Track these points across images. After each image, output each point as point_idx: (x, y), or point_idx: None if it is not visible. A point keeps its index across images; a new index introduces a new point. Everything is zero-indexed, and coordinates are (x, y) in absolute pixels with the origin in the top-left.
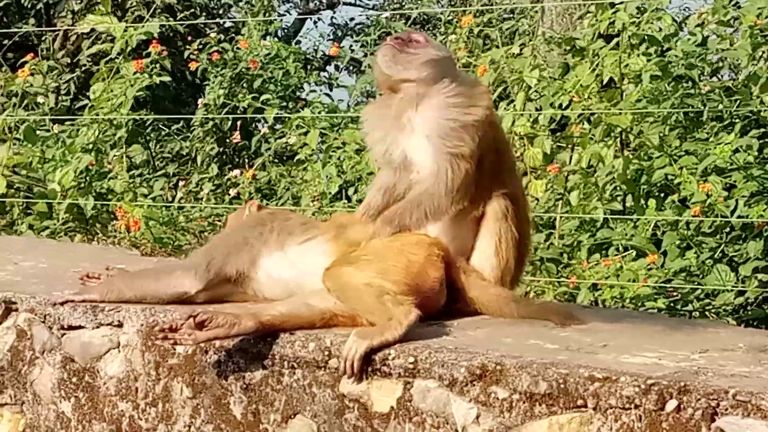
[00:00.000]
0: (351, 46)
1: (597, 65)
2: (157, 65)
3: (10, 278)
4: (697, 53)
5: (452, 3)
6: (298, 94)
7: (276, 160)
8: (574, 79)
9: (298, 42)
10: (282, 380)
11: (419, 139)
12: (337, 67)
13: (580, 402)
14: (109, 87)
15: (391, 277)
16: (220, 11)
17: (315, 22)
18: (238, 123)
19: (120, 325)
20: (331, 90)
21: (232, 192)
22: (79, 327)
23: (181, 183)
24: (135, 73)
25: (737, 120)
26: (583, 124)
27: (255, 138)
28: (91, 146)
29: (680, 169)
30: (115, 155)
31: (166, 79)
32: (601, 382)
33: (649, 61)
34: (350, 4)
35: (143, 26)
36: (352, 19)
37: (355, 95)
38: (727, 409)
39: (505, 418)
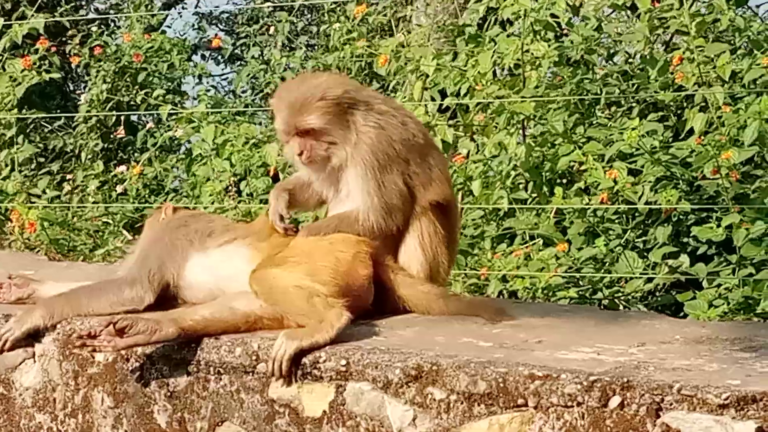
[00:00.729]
0: (216, 34)
1: (493, 52)
2: (46, 61)
3: None
4: (594, 38)
5: None
6: (182, 87)
7: (161, 155)
8: (474, 67)
9: (164, 32)
10: (208, 387)
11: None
12: (214, 58)
13: (520, 401)
14: None
15: (321, 278)
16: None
17: (179, 12)
18: (122, 118)
19: (35, 335)
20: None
21: (119, 188)
22: None
23: (66, 181)
24: (23, 71)
25: (634, 104)
26: (482, 112)
27: (140, 132)
28: None
29: (584, 155)
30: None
31: (56, 75)
32: (541, 380)
33: (549, 47)
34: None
35: (28, 22)
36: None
37: (240, 86)
38: (672, 404)
39: (443, 419)
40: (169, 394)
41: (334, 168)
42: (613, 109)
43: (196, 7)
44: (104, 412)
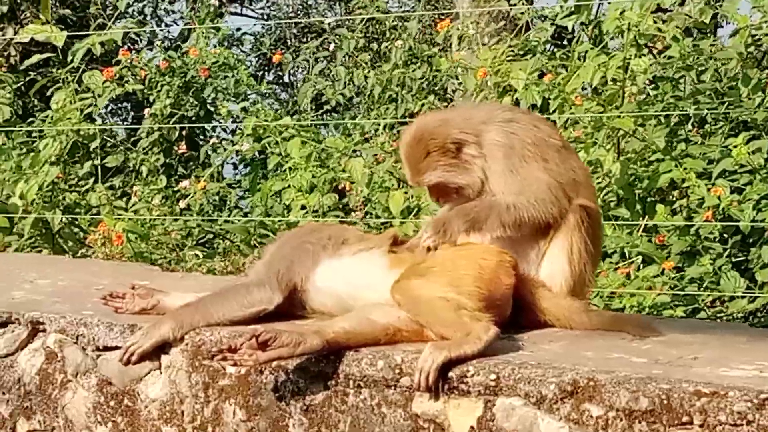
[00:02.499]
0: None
1: (598, 67)
2: (129, 72)
3: (30, 297)
4: (693, 54)
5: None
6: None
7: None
8: (568, 82)
9: (229, 47)
10: (347, 400)
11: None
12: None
13: (685, 419)
14: (71, 97)
15: (465, 288)
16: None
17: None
18: (184, 132)
19: (162, 346)
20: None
21: (182, 203)
22: (116, 347)
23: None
24: (105, 82)
25: (723, 123)
26: (573, 127)
27: (204, 148)
28: (55, 159)
29: (687, 172)
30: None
31: (138, 87)
32: (708, 398)
33: (651, 64)
34: (236, 13)
35: (105, 33)
36: (238, 29)
37: (305, 103)
38: None
39: None
40: (305, 407)
41: (473, 194)
42: (706, 127)
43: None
44: (236, 425)
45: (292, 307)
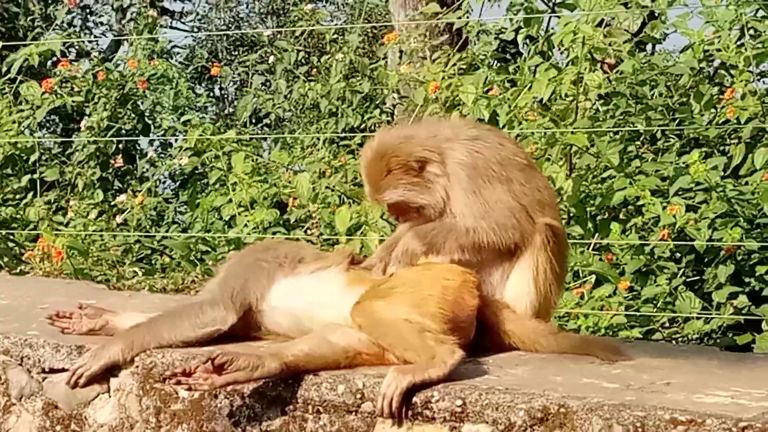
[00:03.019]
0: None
1: (550, 81)
2: (68, 84)
3: None
4: (644, 69)
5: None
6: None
7: (162, 184)
8: (525, 96)
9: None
10: (306, 426)
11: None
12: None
13: None
14: (7, 109)
15: (429, 310)
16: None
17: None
18: (120, 146)
19: (111, 369)
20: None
21: (119, 218)
22: (63, 370)
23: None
24: (43, 94)
25: (673, 139)
26: (525, 144)
27: (142, 161)
28: None
29: (642, 190)
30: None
31: (79, 99)
32: (684, 426)
33: (607, 79)
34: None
35: (43, 43)
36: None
37: (245, 116)
38: None
39: None
40: None
41: (434, 215)
42: (658, 143)
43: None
44: None
45: (246, 327)
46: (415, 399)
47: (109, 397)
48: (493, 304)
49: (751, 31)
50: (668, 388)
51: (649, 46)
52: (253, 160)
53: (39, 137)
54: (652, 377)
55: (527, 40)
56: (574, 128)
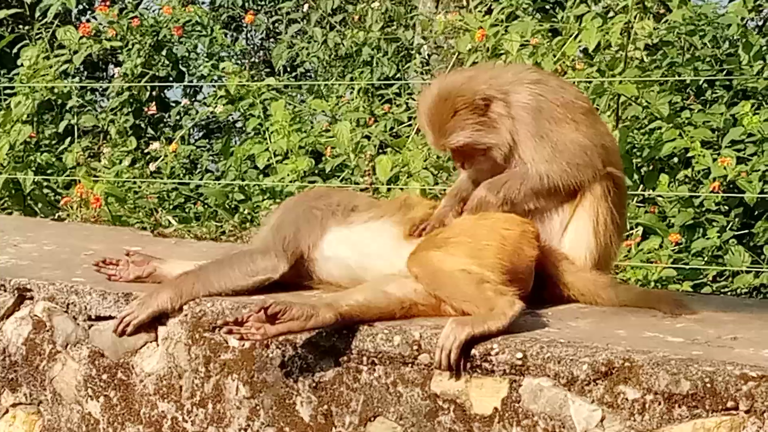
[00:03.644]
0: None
1: (600, 30)
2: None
3: (15, 262)
4: (696, 19)
5: None
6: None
7: (196, 132)
8: (571, 45)
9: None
10: (360, 378)
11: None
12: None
13: (730, 404)
14: (43, 53)
15: (488, 261)
16: None
17: None
18: (153, 93)
19: (159, 317)
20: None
21: (152, 166)
22: (110, 317)
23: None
24: (81, 38)
25: (721, 90)
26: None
27: (176, 108)
28: (27, 117)
29: (692, 141)
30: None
31: (117, 44)
32: (756, 382)
33: (656, 28)
34: None
35: None
36: None
37: (279, 64)
38: None
39: (637, 421)
40: (314, 384)
41: (500, 157)
42: (707, 94)
43: None
44: (239, 402)
45: (297, 276)
46: (473, 351)
47: (157, 346)
48: (552, 254)
49: None
50: (735, 343)
51: None
52: (291, 109)
53: (75, 83)
54: (719, 332)
55: None
56: (621, 78)
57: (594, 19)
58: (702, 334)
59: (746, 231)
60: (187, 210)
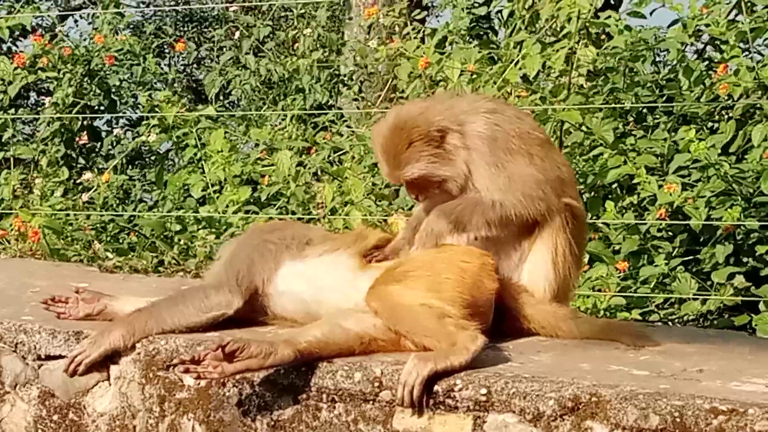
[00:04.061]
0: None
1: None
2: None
3: None
4: (638, 44)
5: None
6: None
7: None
8: (511, 72)
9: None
10: (319, 416)
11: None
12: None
13: None
14: None
15: (448, 294)
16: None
17: (76, 20)
18: (85, 123)
19: (110, 356)
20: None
21: (85, 197)
22: (60, 357)
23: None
24: (16, 69)
25: (661, 116)
26: None
27: (107, 139)
28: None
29: (637, 168)
30: None
31: (52, 74)
32: (726, 416)
33: (599, 54)
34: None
35: (14, 17)
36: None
37: (213, 92)
38: None
39: None
40: (272, 423)
41: (455, 189)
42: (648, 120)
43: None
44: None
45: (252, 312)
46: (436, 387)
47: (110, 385)
48: (511, 287)
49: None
50: (702, 376)
51: (635, 21)
52: (230, 138)
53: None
54: (684, 364)
55: (500, 14)
56: (565, 105)
57: (534, 45)
58: (667, 367)
59: (691, 257)
60: (121, 240)
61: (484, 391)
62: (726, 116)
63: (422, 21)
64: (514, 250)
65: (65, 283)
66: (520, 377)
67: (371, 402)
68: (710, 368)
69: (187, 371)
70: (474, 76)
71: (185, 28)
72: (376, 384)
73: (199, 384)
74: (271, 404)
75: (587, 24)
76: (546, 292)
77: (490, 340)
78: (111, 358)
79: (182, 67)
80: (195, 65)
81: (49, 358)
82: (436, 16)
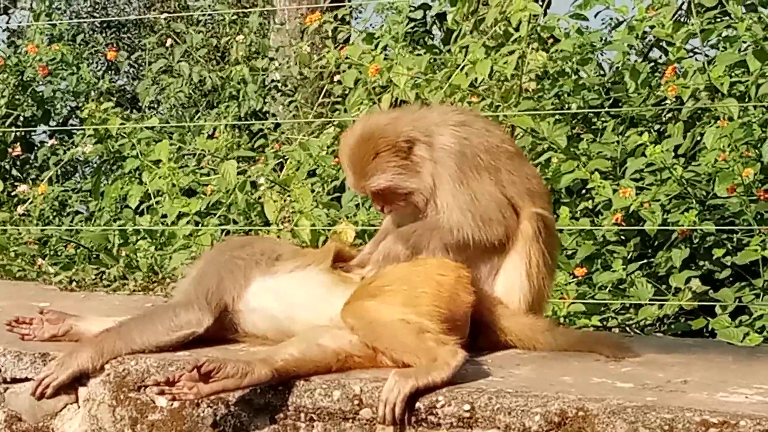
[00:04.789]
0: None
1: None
2: None
3: None
4: (585, 47)
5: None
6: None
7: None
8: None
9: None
10: None
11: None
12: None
13: None
14: None
15: (424, 308)
16: None
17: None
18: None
19: (78, 377)
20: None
21: (20, 209)
22: (26, 379)
23: None
24: None
25: (608, 119)
26: None
27: (42, 150)
28: None
29: (591, 172)
30: None
31: None
32: (717, 428)
33: (550, 59)
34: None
35: None
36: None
37: (147, 101)
38: None
39: None
40: None
41: (421, 202)
42: (597, 123)
43: (7, 24)
44: None
45: (222, 329)
46: (418, 404)
47: (78, 407)
48: (486, 299)
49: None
50: (687, 387)
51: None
52: (175, 149)
53: None
54: (667, 375)
55: (437, 19)
56: (515, 111)
57: (480, 49)
58: (651, 379)
59: (645, 262)
60: (59, 253)
61: (467, 407)
62: (674, 118)
63: (344, 20)
64: (484, 262)
65: (25, 303)
66: (504, 392)
67: (351, 420)
68: (694, 379)
69: (162, 393)
70: (421, 81)
71: (116, 36)
72: (356, 402)
73: (172, 405)
74: (247, 425)
75: (537, 28)
76: (521, 303)
77: (469, 354)
78: (79, 379)
79: (116, 77)
80: (126, 73)
81: (15, 381)
82: (355, 18)
